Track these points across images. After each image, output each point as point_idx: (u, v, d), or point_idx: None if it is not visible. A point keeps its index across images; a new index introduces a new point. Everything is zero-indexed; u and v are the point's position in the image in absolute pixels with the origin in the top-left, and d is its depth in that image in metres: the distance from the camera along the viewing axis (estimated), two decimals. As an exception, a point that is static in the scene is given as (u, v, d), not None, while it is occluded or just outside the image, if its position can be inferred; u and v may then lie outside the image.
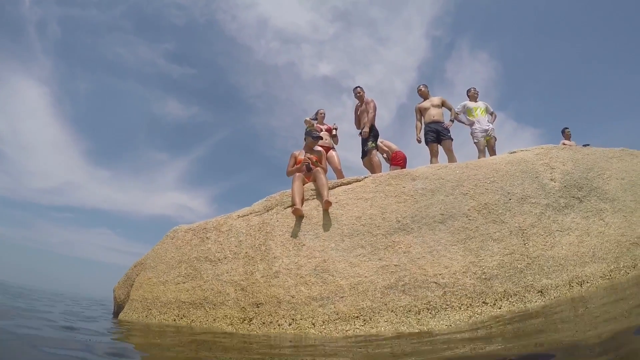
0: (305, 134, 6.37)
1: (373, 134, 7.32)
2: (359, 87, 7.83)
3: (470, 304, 3.96)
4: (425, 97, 8.09)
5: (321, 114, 8.03)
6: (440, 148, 7.52)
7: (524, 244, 4.44)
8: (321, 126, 7.71)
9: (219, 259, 4.94)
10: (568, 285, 4.18)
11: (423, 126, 7.81)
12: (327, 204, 4.91)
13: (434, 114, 7.73)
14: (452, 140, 7.55)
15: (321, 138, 6.56)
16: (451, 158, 7.29)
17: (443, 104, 7.92)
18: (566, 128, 9.97)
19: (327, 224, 4.82)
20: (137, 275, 5.53)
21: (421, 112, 7.92)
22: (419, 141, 7.77)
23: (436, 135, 7.53)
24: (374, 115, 7.47)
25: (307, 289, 4.26)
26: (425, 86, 8.16)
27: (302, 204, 5.14)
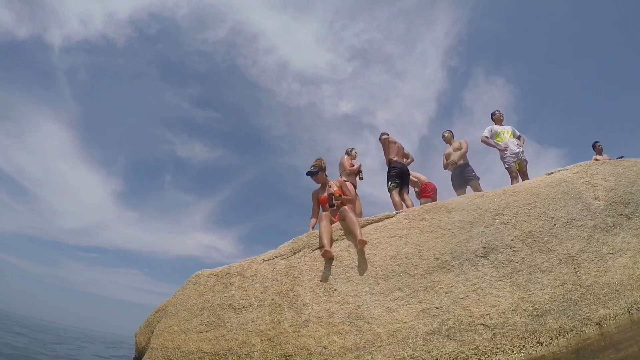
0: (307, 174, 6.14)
1: (392, 173, 7.04)
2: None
3: (523, 345, 3.58)
4: (449, 142, 8.27)
5: (355, 152, 8.07)
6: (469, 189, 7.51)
7: (575, 272, 4.07)
8: (355, 162, 7.76)
9: (244, 307, 4.63)
10: (627, 313, 3.84)
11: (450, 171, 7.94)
12: (361, 243, 4.59)
13: (455, 159, 7.83)
14: (478, 179, 7.56)
15: (313, 174, 6.10)
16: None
17: (460, 146, 7.97)
18: (597, 142, 9.69)
19: (359, 266, 4.48)
20: (158, 321, 5.26)
21: (446, 158, 8.07)
22: (449, 168, 7.96)
23: (461, 180, 7.62)
24: (389, 153, 7.32)
25: (341, 339, 3.91)
26: (449, 132, 8.35)
27: (331, 245, 4.84)
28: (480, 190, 7.00)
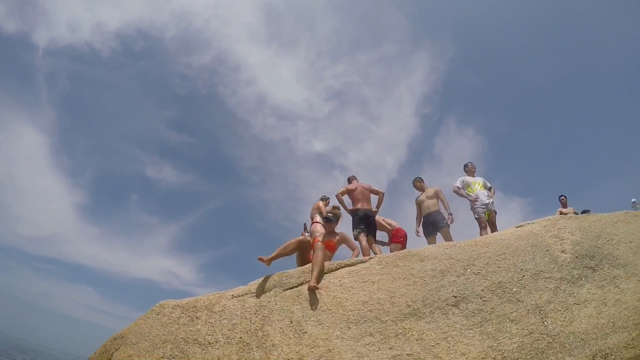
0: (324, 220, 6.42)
1: (355, 220, 7.24)
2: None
3: (492, 394, 3.60)
4: (421, 190, 8.32)
5: (328, 202, 8.35)
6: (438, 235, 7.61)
7: (543, 322, 4.15)
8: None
9: (210, 343, 4.52)
10: (592, 361, 3.89)
11: (422, 219, 8.02)
12: (310, 287, 4.67)
13: (429, 205, 7.91)
14: (449, 226, 7.60)
15: (332, 221, 6.36)
16: (449, 240, 7.19)
17: (437, 195, 8.06)
18: (562, 196, 10.14)
19: (331, 309, 4.46)
20: (117, 349, 5.06)
21: (419, 205, 8.13)
22: (418, 235, 8.00)
23: (433, 228, 7.65)
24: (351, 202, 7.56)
25: (311, 383, 3.85)
26: (420, 180, 8.46)
27: (318, 280, 4.88)
28: (450, 238, 7.23)
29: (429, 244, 7.41)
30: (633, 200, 9.73)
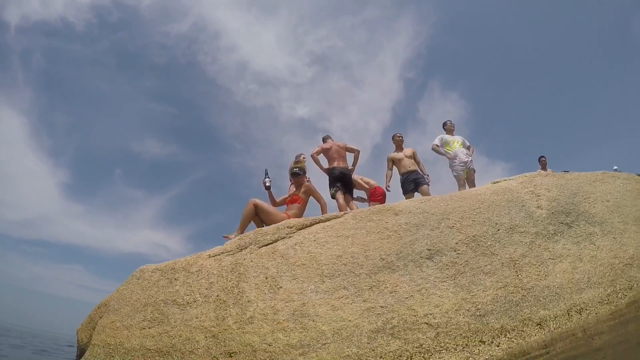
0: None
1: (331, 179, 7.33)
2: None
3: (466, 344, 3.62)
4: (399, 146, 8.25)
5: (304, 158, 8.12)
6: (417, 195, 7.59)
7: (517, 276, 4.16)
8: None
9: (188, 303, 4.51)
10: (567, 315, 3.93)
11: (398, 176, 7.99)
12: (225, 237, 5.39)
13: (408, 164, 7.90)
14: (428, 184, 7.66)
15: (299, 174, 6.54)
16: None
17: (414, 156, 8.07)
18: (542, 156, 10.05)
19: (305, 264, 4.45)
20: (100, 317, 5.04)
21: (394, 162, 8.07)
22: (388, 190, 7.94)
23: (415, 185, 7.65)
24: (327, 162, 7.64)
25: (286, 336, 3.86)
26: (401, 136, 8.33)
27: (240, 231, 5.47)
28: (429, 195, 7.17)
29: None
30: (615, 167, 9.78)
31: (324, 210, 6.12)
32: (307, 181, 7.23)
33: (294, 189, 6.49)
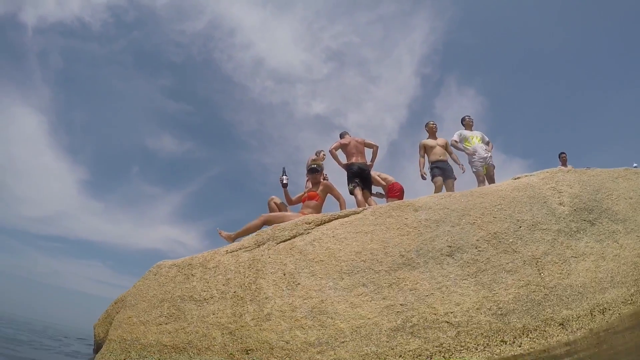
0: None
1: (349, 174, 7.20)
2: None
3: (487, 344, 3.56)
4: (432, 134, 8.08)
5: (323, 155, 8.20)
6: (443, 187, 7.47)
7: (539, 274, 4.07)
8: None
9: (205, 299, 4.48)
10: (590, 315, 3.87)
11: (427, 164, 7.82)
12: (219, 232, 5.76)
13: (440, 153, 7.74)
14: (455, 179, 7.57)
15: (317, 171, 6.52)
16: None
17: (447, 146, 7.92)
18: (562, 153, 9.86)
19: (324, 260, 4.39)
20: (117, 313, 5.07)
21: (426, 149, 7.89)
22: (424, 177, 7.77)
23: (442, 172, 7.50)
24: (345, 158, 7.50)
25: (303, 334, 3.81)
26: (435, 124, 8.14)
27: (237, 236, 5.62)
28: (454, 191, 7.08)
29: (435, 185, 7.37)
30: (635, 165, 9.61)
31: (342, 207, 6.05)
32: (324, 178, 7.19)
33: (311, 186, 6.43)
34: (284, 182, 6.28)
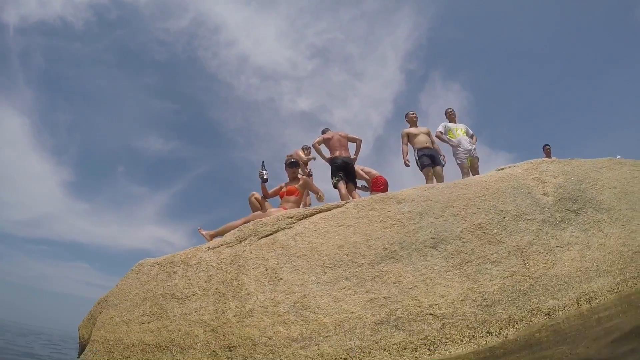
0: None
1: (333, 168, 7.16)
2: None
3: (473, 335, 3.53)
4: (413, 123, 8.04)
5: (310, 152, 8.27)
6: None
7: (524, 264, 4.06)
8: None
9: (187, 296, 4.41)
10: (576, 304, 3.86)
11: (414, 152, 7.74)
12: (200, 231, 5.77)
13: (424, 140, 7.67)
14: (443, 165, 7.56)
15: (296, 165, 6.59)
16: (441, 182, 7.09)
17: (430, 135, 7.87)
18: (546, 145, 9.91)
19: (306, 254, 4.33)
20: (100, 313, 4.99)
21: (409, 137, 7.83)
22: (407, 164, 7.68)
23: (430, 160, 7.44)
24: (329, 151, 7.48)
25: (286, 329, 3.75)
26: (415, 113, 8.09)
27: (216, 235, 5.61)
28: (442, 178, 7.21)
29: (425, 176, 7.33)
30: (618, 156, 9.65)
31: (321, 196, 6.03)
32: (309, 174, 7.16)
33: (290, 181, 6.42)
34: (264, 177, 6.22)
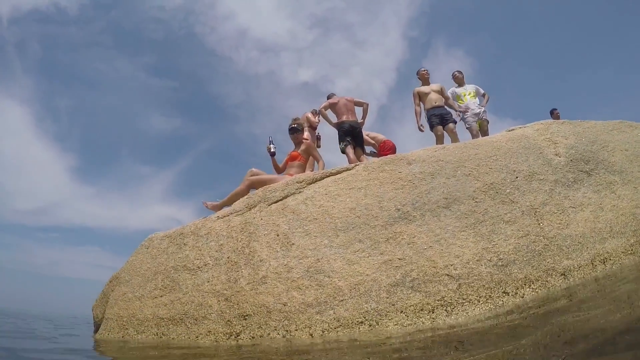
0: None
1: (340, 133, 7.06)
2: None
3: (489, 296, 3.51)
4: (425, 81, 7.80)
5: (319, 117, 8.01)
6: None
7: (539, 224, 4.01)
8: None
9: (199, 267, 4.37)
10: (591, 265, 3.83)
11: (424, 112, 7.56)
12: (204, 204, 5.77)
13: (435, 99, 7.46)
14: (455, 123, 7.36)
15: (297, 130, 6.46)
16: (455, 140, 7.01)
17: (442, 92, 7.63)
18: (554, 109, 9.68)
19: (317, 218, 4.28)
20: (112, 290, 4.99)
21: (420, 96, 7.64)
22: (421, 129, 7.54)
23: (439, 120, 7.28)
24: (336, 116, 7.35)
25: (301, 294, 3.72)
26: (426, 70, 7.86)
27: (223, 205, 5.59)
28: (455, 134, 7.10)
29: (436, 135, 7.20)
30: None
31: (322, 165, 5.97)
32: (318, 138, 7.12)
33: (295, 147, 6.35)
34: (272, 150, 6.16)
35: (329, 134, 7.59)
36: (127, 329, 4.38)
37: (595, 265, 3.83)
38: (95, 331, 5.31)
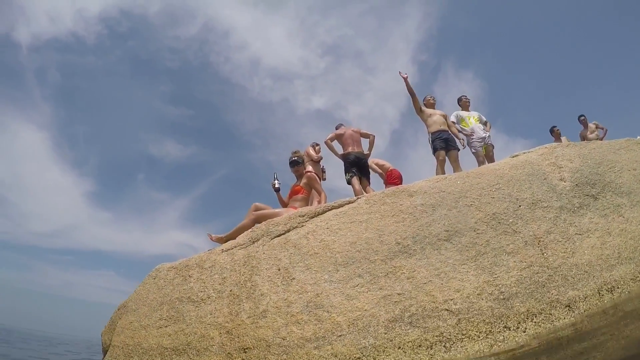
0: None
1: (346, 164, 7.06)
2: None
3: (490, 331, 3.47)
4: (431, 106, 7.76)
5: (319, 149, 8.19)
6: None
7: (542, 254, 3.97)
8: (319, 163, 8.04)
9: (202, 299, 4.41)
10: (597, 295, 3.76)
11: (428, 135, 7.42)
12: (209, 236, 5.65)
13: (440, 122, 7.36)
14: (459, 150, 7.24)
15: (298, 163, 6.44)
16: (457, 169, 6.96)
17: (446, 119, 7.55)
18: (554, 127, 9.58)
19: (318, 253, 4.28)
20: (120, 318, 5.01)
21: (426, 116, 7.53)
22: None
23: (444, 143, 7.15)
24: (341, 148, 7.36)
25: (300, 329, 3.73)
26: (432, 97, 7.85)
27: (228, 238, 5.42)
28: (458, 162, 7.02)
29: (437, 159, 7.07)
30: (638, 137, 9.42)
31: (324, 198, 6.03)
32: (323, 171, 7.13)
33: (296, 180, 6.36)
34: (276, 186, 6.25)
35: (336, 162, 7.60)
36: (132, 357, 4.40)
37: (602, 295, 3.76)
38: (103, 357, 5.37)
